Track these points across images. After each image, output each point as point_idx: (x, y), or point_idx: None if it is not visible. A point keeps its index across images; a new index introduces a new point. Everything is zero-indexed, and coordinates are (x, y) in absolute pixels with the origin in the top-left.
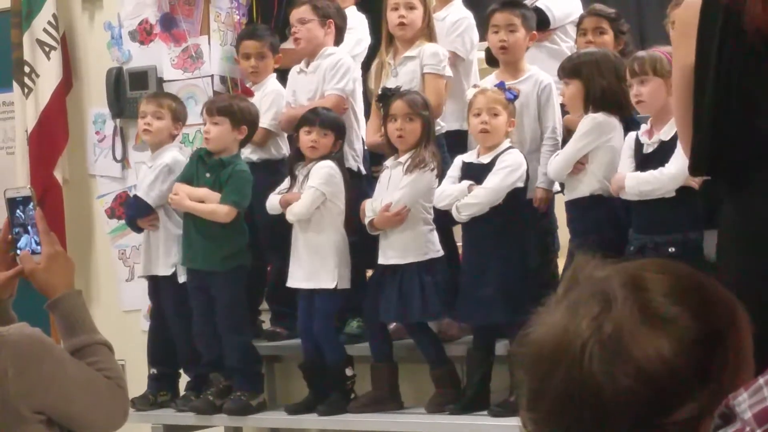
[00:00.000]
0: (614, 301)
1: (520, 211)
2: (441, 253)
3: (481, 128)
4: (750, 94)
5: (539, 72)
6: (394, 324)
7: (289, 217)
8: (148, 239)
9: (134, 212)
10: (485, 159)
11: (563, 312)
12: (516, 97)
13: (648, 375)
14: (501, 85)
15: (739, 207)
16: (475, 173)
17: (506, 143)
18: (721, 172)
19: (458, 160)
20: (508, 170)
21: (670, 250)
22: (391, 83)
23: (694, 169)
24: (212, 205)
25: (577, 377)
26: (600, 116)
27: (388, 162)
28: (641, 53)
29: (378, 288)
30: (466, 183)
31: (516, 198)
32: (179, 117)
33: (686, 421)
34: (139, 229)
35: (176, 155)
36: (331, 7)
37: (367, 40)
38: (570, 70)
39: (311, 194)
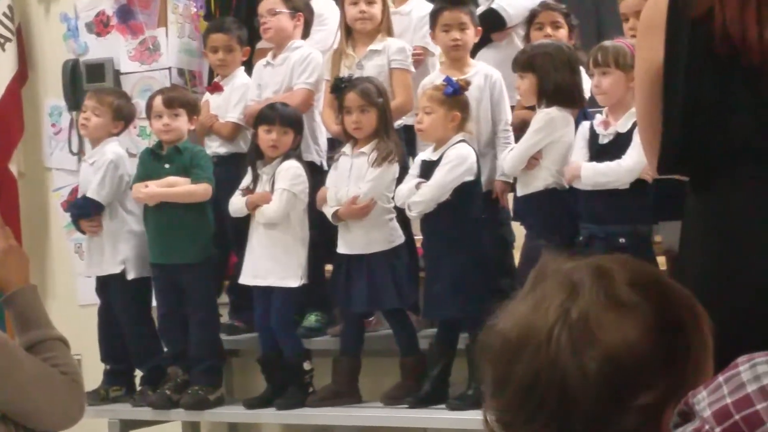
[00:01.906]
0: (581, 288)
1: (472, 205)
2: (403, 238)
3: (417, 127)
4: (720, 95)
5: (486, 66)
6: (374, 317)
7: (261, 219)
8: (91, 239)
9: (85, 212)
10: (435, 156)
11: (529, 304)
12: (455, 90)
13: (613, 358)
14: (448, 80)
15: (708, 206)
16: (428, 170)
17: (457, 137)
18: (691, 171)
19: (418, 159)
20: (451, 165)
21: (620, 240)
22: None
23: (664, 168)
24: (187, 186)
25: (544, 361)
26: (553, 111)
27: (347, 149)
28: (606, 43)
29: (346, 279)
30: (414, 181)
31: (466, 192)
32: (122, 115)
33: (648, 407)
34: (83, 231)
35: (117, 149)
36: (301, 0)
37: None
38: (524, 63)
39: (284, 197)
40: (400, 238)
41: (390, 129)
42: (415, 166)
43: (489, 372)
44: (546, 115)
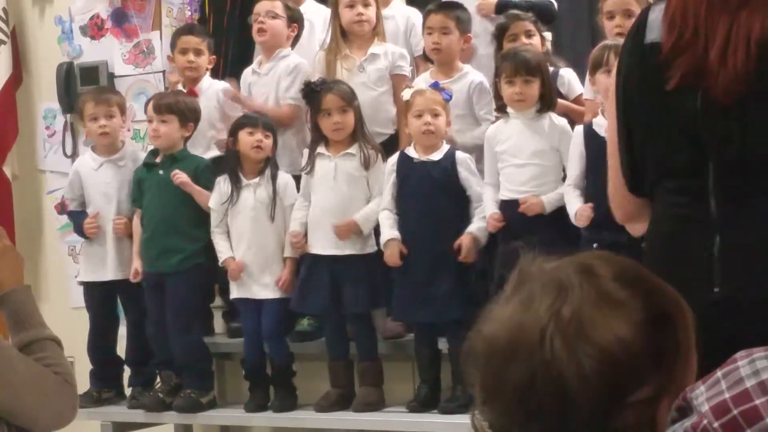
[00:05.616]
0: (570, 287)
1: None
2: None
3: (425, 129)
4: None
5: (472, 71)
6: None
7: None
8: (120, 242)
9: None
10: (436, 156)
11: (515, 306)
12: (451, 97)
13: (608, 356)
14: (435, 85)
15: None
16: (424, 170)
17: (444, 141)
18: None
19: (394, 158)
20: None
21: (642, 245)
22: (361, 78)
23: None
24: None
25: (538, 363)
26: None
27: (324, 151)
28: (610, 42)
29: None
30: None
31: (461, 196)
32: (124, 110)
33: (643, 402)
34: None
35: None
36: (299, 12)
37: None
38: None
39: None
40: (372, 247)
41: (365, 133)
42: (391, 165)
43: (479, 379)
44: None
